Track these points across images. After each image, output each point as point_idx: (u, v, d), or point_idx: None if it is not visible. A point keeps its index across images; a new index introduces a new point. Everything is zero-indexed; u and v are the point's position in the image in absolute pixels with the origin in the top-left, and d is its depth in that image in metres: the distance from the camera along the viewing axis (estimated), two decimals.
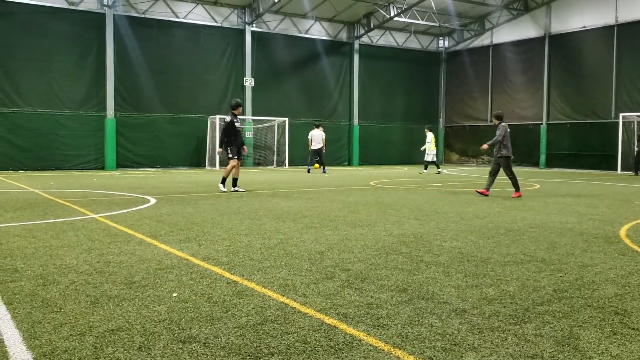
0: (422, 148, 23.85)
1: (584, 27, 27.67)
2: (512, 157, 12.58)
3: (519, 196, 12.37)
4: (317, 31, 30.42)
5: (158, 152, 26.11)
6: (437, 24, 30.75)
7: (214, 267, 5.22)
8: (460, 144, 34.54)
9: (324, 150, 23.48)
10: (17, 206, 10.01)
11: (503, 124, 12.58)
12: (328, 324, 3.62)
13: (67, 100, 23.93)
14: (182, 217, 8.60)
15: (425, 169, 23.73)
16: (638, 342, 3.35)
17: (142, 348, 3.20)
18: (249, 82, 28.13)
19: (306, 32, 30.05)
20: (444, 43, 34.95)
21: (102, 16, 24.49)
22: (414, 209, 10.00)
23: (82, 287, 4.51)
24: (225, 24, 27.69)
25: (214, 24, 27.39)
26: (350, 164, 31.59)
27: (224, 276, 4.88)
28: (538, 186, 16.06)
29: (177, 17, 26.48)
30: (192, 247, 6.16)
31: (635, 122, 24.82)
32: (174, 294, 4.29)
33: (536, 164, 29.91)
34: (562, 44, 28.70)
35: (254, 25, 28.26)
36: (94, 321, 3.66)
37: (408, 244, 6.46)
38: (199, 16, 27.03)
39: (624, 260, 5.69)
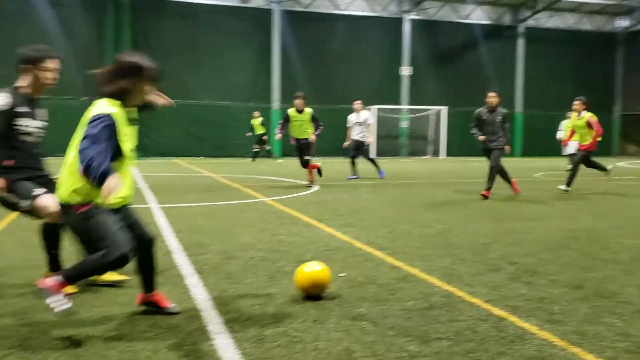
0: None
1: None
2: None
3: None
4: (478, 16, 29.33)
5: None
6: (614, 2, 28.04)
7: (377, 251, 5.36)
8: None
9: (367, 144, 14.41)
10: (198, 189, 11.13)
11: None
12: (497, 315, 3.57)
13: (236, 92, 25.63)
14: (341, 204, 8.90)
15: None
16: None
17: (317, 321, 3.42)
18: (405, 71, 27.99)
19: (466, 18, 29.12)
20: (621, 23, 31.74)
21: (268, 12, 25.88)
22: (586, 202, 9.34)
23: (260, 262, 4.92)
24: (384, 14, 27.80)
25: (372, 14, 27.63)
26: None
27: (386, 261, 4.99)
28: None
29: (339, 9, 27.11)
30: (353, 232, 6.37)
31: None
32: (342, 274, 4.50)
33: None
34: None
35: (413, 13, 28.03)
36: (273, 293, 3.99)
37: (579, 240, 6.07)
38: (359, 7, 27.44)
39: None
